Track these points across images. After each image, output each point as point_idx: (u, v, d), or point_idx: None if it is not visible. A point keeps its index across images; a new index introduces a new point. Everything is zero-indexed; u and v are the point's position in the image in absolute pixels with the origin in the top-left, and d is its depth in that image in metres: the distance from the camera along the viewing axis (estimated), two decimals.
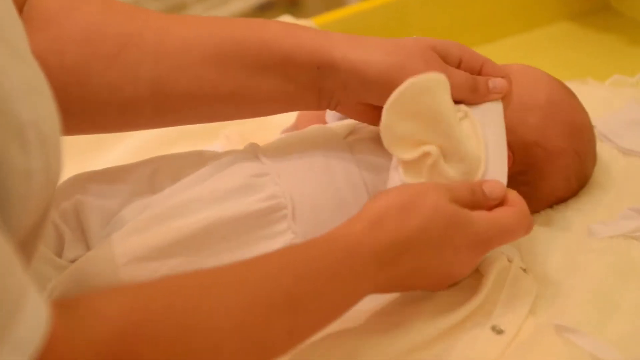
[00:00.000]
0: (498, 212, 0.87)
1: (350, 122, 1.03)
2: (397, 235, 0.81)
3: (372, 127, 0.99)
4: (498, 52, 1.57)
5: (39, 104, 0.62)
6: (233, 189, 0.93)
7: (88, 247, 0.92)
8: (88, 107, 0.90)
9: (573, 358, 0.84)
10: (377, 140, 0.93)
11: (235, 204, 0.92)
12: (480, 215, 0.85)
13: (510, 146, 0.95)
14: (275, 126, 1.24)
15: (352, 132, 1.01)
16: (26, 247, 0.63)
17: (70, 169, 1.18)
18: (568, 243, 1.02)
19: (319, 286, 0.75)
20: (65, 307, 0.58)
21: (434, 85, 0.86)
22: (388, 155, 0.91)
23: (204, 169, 0.97)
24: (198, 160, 0.99)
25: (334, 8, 1.56)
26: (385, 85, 0.88)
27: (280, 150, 0.99)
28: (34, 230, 0.64)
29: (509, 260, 0.95)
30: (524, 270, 0.96)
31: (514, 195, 0.89)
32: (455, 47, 0.94)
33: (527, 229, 0.87)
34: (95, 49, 0.88)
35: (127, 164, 1.00)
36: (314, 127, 1.05)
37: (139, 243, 0.89)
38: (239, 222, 0.91)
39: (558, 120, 1.06)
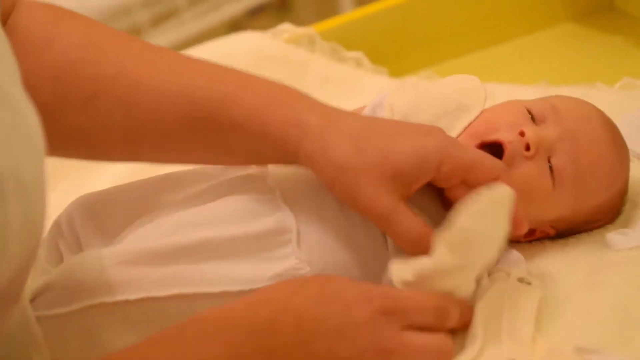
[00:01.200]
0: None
1: None
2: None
3: None
4: (502, 55, 1.54)
5: (20, 149, 0.60)
6: (237, 211, 0.91)
7: None
8: (61, 143, 0.89)
9: None
10: None
11: (238, 225, 0.90)
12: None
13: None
14: None
15: None
16: (8, 294, 0.62)
17: (69, 186, 1.15)
18: (586, 256, 0.98)
19: None
20: None
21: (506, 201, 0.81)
22: None
23: (210, 189, 0.95)
24: (203, 178, 0.96)
25: (325, 12, 1.53)
26: (340, 182, 0.85)
27: (288, 174, 0.96)
28: (17, 277, 0.62)
29: (507, 274, 0.90)
30: (523, 280, 0.91)
31: None
32: (430, 162, 0.86)
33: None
34: (69, 90, 0.87)
35: (130, 183, 0.98)
36: None
37: (131, 247, 0.88)
38: (239, 241, 0.89)
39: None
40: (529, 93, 1.30)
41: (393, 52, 1.50)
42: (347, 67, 1.44)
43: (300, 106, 0.87)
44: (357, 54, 1.45)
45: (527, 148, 0.93)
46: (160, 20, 2.28)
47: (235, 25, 2.43)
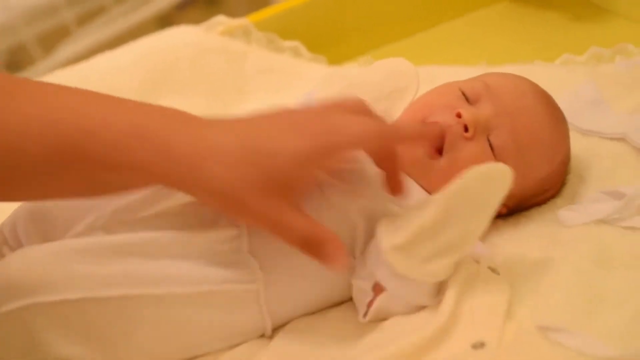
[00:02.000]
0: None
1: None
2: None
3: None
4: (440, 37, 1.53)
5: None
6: (191, 216, 0.88)
7: None
8: None
9: (559, 358, 0.80)
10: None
11: (190, 228, 0.87)
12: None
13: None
14: None
15: None
16: None
17: None
18: (539, 234, 0.98)
19: None
20: None
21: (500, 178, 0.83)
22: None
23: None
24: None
25: (255, 5, 1.50)
26: (217, 204, 0.82)
27: None
28: None
29: (477, 262, 0.90)
30: (494, 269, 0.91)
31: None
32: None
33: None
34: None
35: None
36: None
37: (74, 243, 0.86)
38: (188, 244, 0.87)
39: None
40: (470, 73, 1.27)
41: (330, 40, 1.48)
42: (285, 57, 1.41)
43: (167, 134, 0.81)
44: (294, 44, 1.43)
45: (466, 129, 0.94)
46: (87, 18, 2.23)
47: (164, 21, 2.39)
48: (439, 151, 0.95)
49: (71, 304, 0.82)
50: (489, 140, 0.96)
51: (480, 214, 0.85)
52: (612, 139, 1.10)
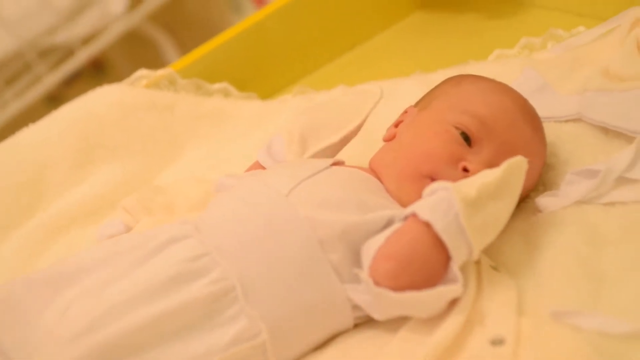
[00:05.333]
0: None
1: (294, 172, 0.96)
2: None
3: (316, 177, 0.95)
4: (366, 54, 1.54)
5: None
6: (170, 279, 0.85)
7: None
8: None
9: (581, 341, 0.79)
10: (321, 186, 0.93)
11: (177, 295, 0.85)
12: None
13: None
14: (176, 188, 1.15)
15: (295, 185, 0.94)
16: None
17: None
18: (521, 225, 0.98)
19: None
20: None
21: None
22: (334, 202, 0.90)
23: (134, 254, 0.89)
24: (126, 243, 0.91)
25: (144, 65, 1.46)
26: None
27: (217, 220, 0.92)
28: None
29: (476, 262, 0.89)
30: (495, 267, 0.91)
31: None
32: None
33: None
34: None
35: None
36: (252, 186, 0.97)
37: (74, 355, 0.81)
38: (183, 313, 0.84)
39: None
40: (408, 84, 1.29)
41: (258, 75, 1.46)
42: (215, 99, 1.38)
43: None
44: (223, 85, 1.40)
45: None
46: None
47: (53, 99, 2.34)
48: None
49: None
50: None
51: (513, 198, 0.89)
52: (567, 120, 1.10)
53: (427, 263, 0.84)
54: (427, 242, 0.84)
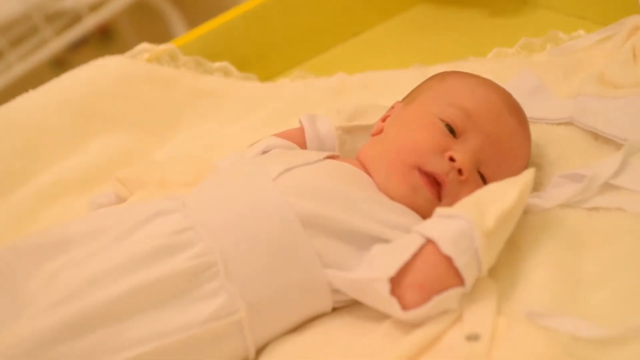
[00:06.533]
0: None
1: (286, 160, 0.98)
2: None
3: (307, 167, 0.97)
4: (366, 44, 1.54)
5: None
6: (153, 251, 0.87)
7: None
8: None
9: (553, 343, 0.81)
10: (310, 175, 0.94)
11: (158, 267, 0.86)
12: None
13: None
14: (171, 164, 1.16)
15: (283, 171, 0.95)
16: None
17: None
18: None
19: None
20: None
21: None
22: (320, 193, 0.91)
23: (120, 227, 0.90)
24: (113, 216, 0.93)
25: (152, 38, 1.47)
26: None
27: (204, 198, 0.94)
28: None
29: None
30: None
31: None
32: None
33: None
34: None
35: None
36: (243, 168, 0.99)
37: (45, 323, 0.82)
38: (163, 285, 0.85)
39: None
40: (407, 77, 1.30)
41: (258, 57, 1.47)
42: (215, 78, 1.39)
43: None
44: (223, 64, 1.40)
45: (461, 172, 0.95)
46: None
47: (59, 63, 2.34)
48: (438, 195, 0.96)
49: None
50: (480, 172, 0.97)
51: (520, 214, 0.91)
52: (559, 124, 1.11)
53: (446, 288, 0.86)
54: (452, 274, 0.86)
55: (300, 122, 1.11)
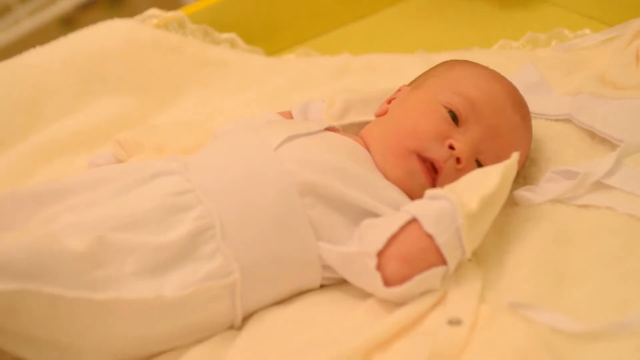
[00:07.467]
0: None
1: (288, 129, 0.99)
2: None
3: (308, 138, 0.98)
4: (373, 26, 1.54)
5: None
6: (152, 209, 0.88)
7: None
8: None
9: (532, 334, 0.82)
10: (311, 146, 0.95)
11: (158, 229, 0.87)
12: None
13: None
14: (170, 130, 1.16)
15: (285, 140, 0.96)
16: None
17: None
18: (497, 217, 0.99)
19: None
20: None
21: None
22: (319, 163, 0.93)
23: (121, 181, 0.92)
24: (113, 171, 0.94)
25: (162, 4, 1.47)
26: None
27: (206, 162, 0.95)
28: None
29: None
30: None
31: None
32: None
33: None
34: None
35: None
36: (246, 136, 1.00)
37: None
38: (162, 250, 0.86)
39: None
40: (411, 62, 1.31)
41: (266, 31, 1.47)
42: (222, 48, 1.39)
43: None
44: (231, 35, 1.41)
45: (459, 161, 0.96)
46: None
47: (67, 22, 2.34)
48: (433, 181, 0.97)
49: (66, 300, 0.80)
50: (478, 162, 0.98)
51: (504, 199, 0.92)
52: (557, 120, 1.12)
53: (429, 266, 0.87)
54: (434, 252, 0.87)
55: (292, 113, 1.12)
